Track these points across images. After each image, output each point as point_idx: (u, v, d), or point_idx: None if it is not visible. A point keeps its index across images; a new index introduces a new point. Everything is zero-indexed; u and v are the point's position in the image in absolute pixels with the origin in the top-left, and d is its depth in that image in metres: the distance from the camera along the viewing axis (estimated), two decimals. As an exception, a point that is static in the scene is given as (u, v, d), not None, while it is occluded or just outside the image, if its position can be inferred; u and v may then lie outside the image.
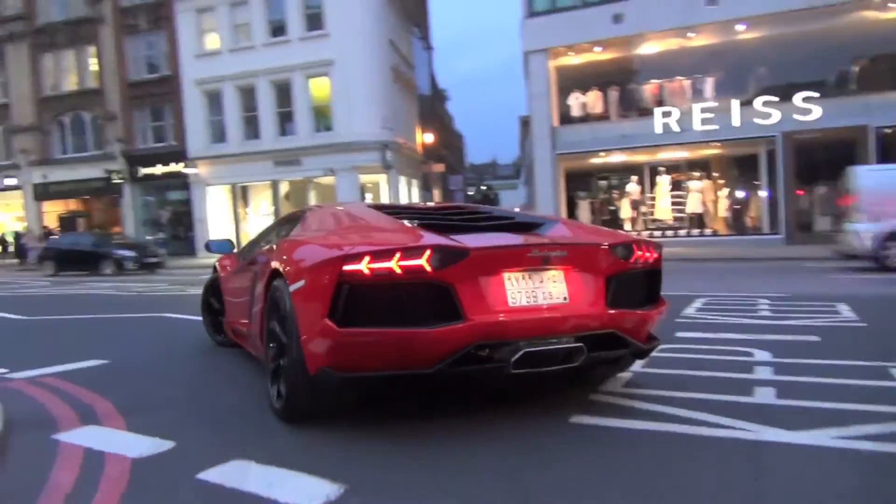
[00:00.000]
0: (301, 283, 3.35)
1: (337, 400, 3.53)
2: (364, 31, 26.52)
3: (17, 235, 31.57)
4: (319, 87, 27.32)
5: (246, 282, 4.83)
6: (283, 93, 27.59)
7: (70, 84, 32.02)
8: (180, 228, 30.23)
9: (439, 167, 40.80)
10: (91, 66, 31.46)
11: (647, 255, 3.70)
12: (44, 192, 32.27)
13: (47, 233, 30.27)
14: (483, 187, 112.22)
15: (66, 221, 31.87)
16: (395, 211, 4.32)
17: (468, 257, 3.17)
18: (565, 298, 3.35)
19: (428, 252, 3.10)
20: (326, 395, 3.38)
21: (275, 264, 3.77)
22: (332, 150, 26.62)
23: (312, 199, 28.58)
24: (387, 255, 3.08)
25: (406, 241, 3.25)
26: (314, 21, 27.02)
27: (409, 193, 31.38)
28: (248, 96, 28.20)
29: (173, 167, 29.56)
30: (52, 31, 31.77)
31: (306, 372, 3.30)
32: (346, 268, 3.09)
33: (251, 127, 28.38)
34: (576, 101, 24.39)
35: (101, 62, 30.89)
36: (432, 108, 45.80)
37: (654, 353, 4.60)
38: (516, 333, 3.17)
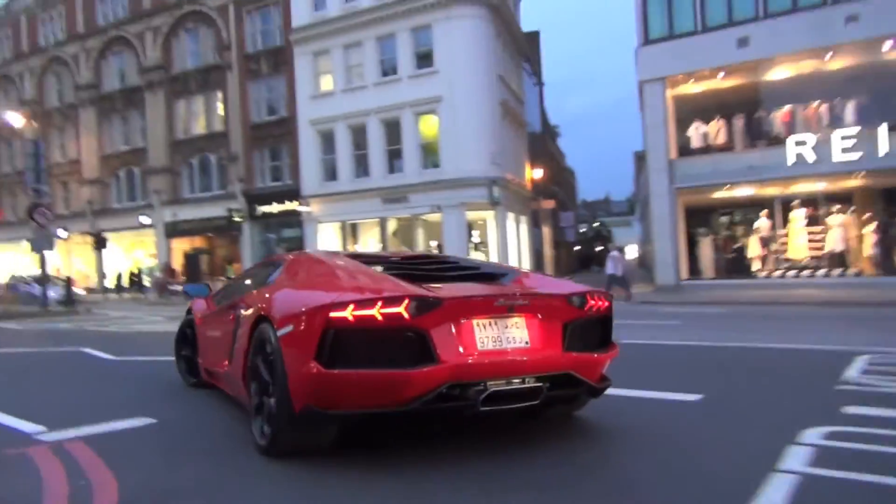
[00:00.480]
0: (289, 328, 3.56)
1: (318, 437, 3.70)
2: (473, 67, 26.09)
3: (149, 271, 33.28)
4: (428, 124, 27.08)
5: (225, 325, 4.96)
6: (393, 130, 27.58)
7: (199, 128, 33.72)
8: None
9: (549, 203, 39.58)
10: (218, 111, 33.00)
11: (600, 304, 4.01)
12: (173, 230, 33.92)
13: (170, 270, 31.62)
14: (596, 224, 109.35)
15: (191, 258, 33.27)
16: (369, 260, 4.59)
17: (442, 306, 3.44)
18: (527, 343, 3.62)
19: (406, 301, 3.36)
20: (310, 432, 3.62)
21: (261, 309, 3.98)
22: (440, 186, 26.16)
23: (420, 237, 28.19)
24: (369, 303, 3.33)
25: (386, 290, 3.48)
26: (424, 59, 26.93)
27: (517, 230, 30.37)
28: (359, 135, 28.42)
29: (288, 205, 30.18)
30: (185, 78, 33.71)
31: (292, 410, 3.49)
32: (333, 314, 3.33)
33: (361, 165, 28.53)
34: (696, 132, 22.64)
35: (227, 106, 32.33)
36: (543, 145, 44.82)
37: (819, 442, 3.87)
38: (484, 374, 3.44)
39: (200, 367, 5.88)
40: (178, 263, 33.75)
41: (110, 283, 35.49)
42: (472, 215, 26.91)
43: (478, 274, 4.39)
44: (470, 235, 27.25)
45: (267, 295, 4.16)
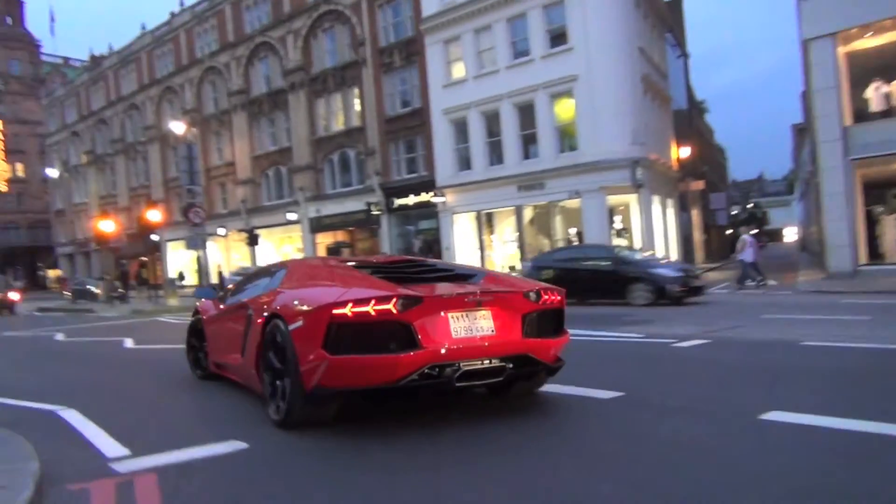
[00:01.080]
0: (299, 323, 4.41)
1: (324, 411, 4.53)
2: (611, 42, 24.20)
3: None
4: (563, 106, 25.54)
5: (236, 323, 5.75)
6: (527, 114, 26.30)
7: (338, 124, 34.28)
8: (430, 256, 30.35)
9: (698, 185, 36.48)
10: (355, 107, 33.34)
11: (553, 298, 4.83)
12: (317, 225, 34.78)
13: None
14: (749, 206, 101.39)
15: (332, 252, 33.91)
16: (359, 265, 5.37)
17: (423, 303, 4.28)
18: (492, 331, 4.46)
19: (394, 299, 4.21)
20: (317, 407, 4.46)
21: (272, 308, 4.80)
22: (577, 171, 24.57)
23: (558, 224, 26.74)
24: (365, 301, 4.18)
25: (377, 290, 4.31)
26: (557, 37, 25.39)
27: (663, 214, 28.05)
28: (493, 121, 27.41)
29: (423, 197, 29.85)
30: (323, 77, 34.37)
31: (304, 390, 4.35)
32: (335, 311, 4.17)
33: (495, 152, 27.53)
34: (876, 93, 19.46)
35: (363, 102, 32.55)
36: (689, 122, 41.48)
37: None
38: (458, 357, 4.28)
39: (209, 361, 6.73)
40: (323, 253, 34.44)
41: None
42: (613, 200, 25.09)
43: (452, 275, 5.15)
44: (612, 221, 25.43)
45: (276, 296, 5.01)
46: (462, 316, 4.42)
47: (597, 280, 15.29)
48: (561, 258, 16.81)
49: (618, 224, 26.01)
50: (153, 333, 13.92)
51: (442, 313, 4.35)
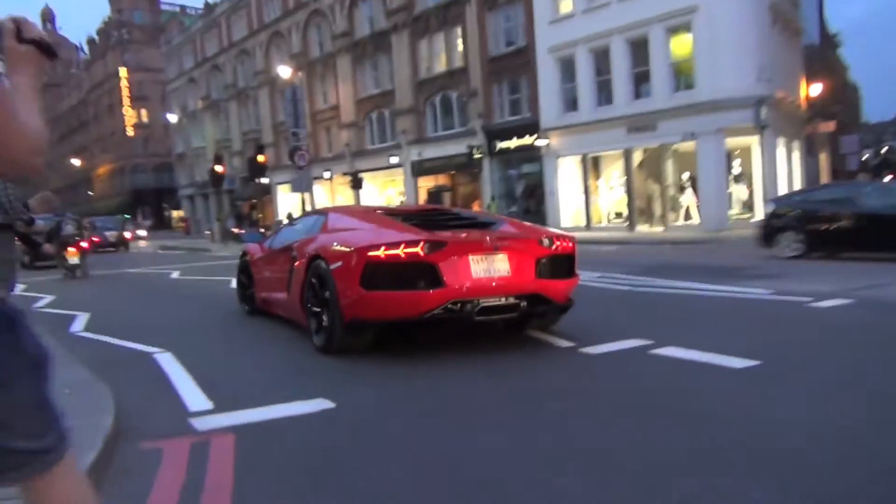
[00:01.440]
0: (339, 264, 5.16)
1: (360, 340, 5.26)
2: (737, -33, 21.83)
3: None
4: (680, 40, 23.51)
5: (282, 264, 6.50)
6: (639, 51, 24.46)
7: (440, 66, 33.43)
8: (531, 202, 29.45)
9: (828, 126, 33.12)
10: (457, 47, 32.32)
11: (565, 244, 5.53)
12: (419, 169, 34.44)
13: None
14: (883, 150, 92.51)
15: (433, 196, 33.60)
16: (392, 212, 6.34)
17: (447, 246, 4.96)
18: (508, 272, 5.12)
19: (422, 243, 4.88)
20: (354, 336, 5.19)
21: (315, 250, 5.62)
22: (694, 111, 22.71)
23: (669, 168, 25.07)
24: (395, 245, 4.89)
25: (408, 236, 5.03)
26: (676, -36, 23.18)
27: (788, 158, 25.67)
28: (602, 59, 25.73)
29: (527, 140, 28.76)
30: (426, 17, 33.47)
31: (343, 321, 5.10)
32: (370, 253, 4.89)
33: (603, 92, 25.92)
34: None
35: (466, 41, 31.48)
36: (821, 57, 37.57)
37: None
38: (477, 294, 4.95)
39: (256, 298, 7.50)
40: (422, 201, 34.35)
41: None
42: (732, 143, 23.08)
43: (475, 223, 5.88)
44: (729, 166, 23.50)
45: (318, 239, 5.79)
46: (482, 259, 5.06)
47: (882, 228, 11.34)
48: (820, 199, 12.89)
49: (736, 169, 24.03)
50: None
51: (464, 256, 5.00)
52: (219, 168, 28.47)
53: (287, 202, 44.85)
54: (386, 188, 38.36)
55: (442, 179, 34.51)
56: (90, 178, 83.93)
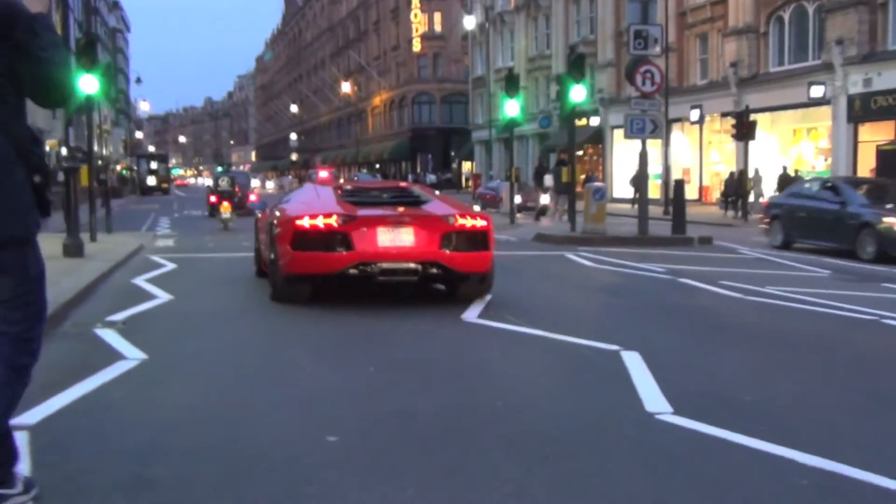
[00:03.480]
0: (279, 229, 10.07)
1: (298, 291, 10.01)
2: None
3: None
4: None
5: (263, 230, 12.10)
6: None
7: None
8: None
9: None
10: None
11: (473, 223, 9.91)
12: (863, 109, 29.94)
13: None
14: None
15: (888, 159, 27.78)
16: (347, 190, 11.84)
17: (357, 220, 9.59)
18: (412, 243, 9.52)
19: (335, 216, 9.53)
20: (292, 287, 9.97)
21: (272, 217, 10.94)
22: None
23: None
24: (315, 216, 9.56)
25: (327, 209, 9.74)
26: None
27: None
28: None
29: None
30: None
31: (281, 274, 9.90)
32: (297, 222, 9.66)
33: None
34: None
35: None
36: None
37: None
38: (380, 258, 9.47)
39: (261, 260, 12.47)
40: (865, 166, 28.90)
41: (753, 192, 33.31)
42: None
43: (406, 200, 10.98)
44: None
45: (277, 209, 11.28)
46: (388, 230, 9.62)
47: None
48: None
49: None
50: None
51: (373, 228, 9.59)
52: (513, 104, 26.94)
53: (625, 155, 42.89)
54: (797, 141, 35.81)
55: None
56: (363, 112, 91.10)
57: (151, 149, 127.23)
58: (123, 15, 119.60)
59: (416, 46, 77.56)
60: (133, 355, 7.32)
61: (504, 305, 10.11)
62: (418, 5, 76.70)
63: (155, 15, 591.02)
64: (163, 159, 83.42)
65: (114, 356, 7.12)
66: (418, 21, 77.17)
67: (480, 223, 10.02)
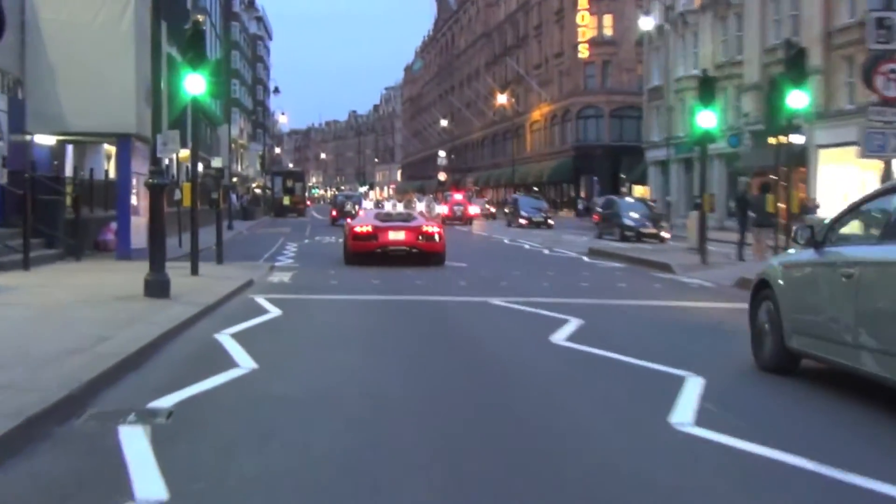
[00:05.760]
0: (348, 231, 29.76)
1: (358, 260, 27.40)
2: None
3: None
4: None
5: (345, 231, 31.08)
6: None
7: None
8: None
9: None
10: None
11: (431, 229, 28.24)
12: None
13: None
14: None
15: None
16: (379, 213, 33.12)
17: (380, 228, 28.60)
18: (405, 237, 28.37)
19: (370, 227, 28.58)
20: (355, 258, 27.70)
21: (347, 226, 31.15)
22: None
23: None
24: (363, 225, 29.10)
25: (367, 223, 29.05)
26: None
27: None
28: None
29: None
30: None
31: (349, 251, 28.52)
32: (355, 229, 29.06)
33: None
34: None
35: None
36: None
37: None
38: (390, 244, 28.37)
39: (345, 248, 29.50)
40: None
41: None
42: None
43: (402, 219, 29.25)
44: None
45: (347, 221, 34.75)
46: (394, 232, 26.23)
47: None
48: None
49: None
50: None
51: (386, 231, 26.19)
52: (707, 115, 24.77)
53: (833, 179, 39.53)
54: None
55: None
56: (520, 127, 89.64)
57: (290, 166, 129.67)
58: (265, 21, 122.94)
59: (583, 53, 75.71)
60: (154, 494, 4.82)
61: (727, 406, 7.66)
62: (586, 6, 74.83)
63: (298, 23, 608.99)
64: (299, 177, 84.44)
65: (121, 488, 4.84)
66: (585, 24, 75.30)
67: (436, 229, 25.83)
